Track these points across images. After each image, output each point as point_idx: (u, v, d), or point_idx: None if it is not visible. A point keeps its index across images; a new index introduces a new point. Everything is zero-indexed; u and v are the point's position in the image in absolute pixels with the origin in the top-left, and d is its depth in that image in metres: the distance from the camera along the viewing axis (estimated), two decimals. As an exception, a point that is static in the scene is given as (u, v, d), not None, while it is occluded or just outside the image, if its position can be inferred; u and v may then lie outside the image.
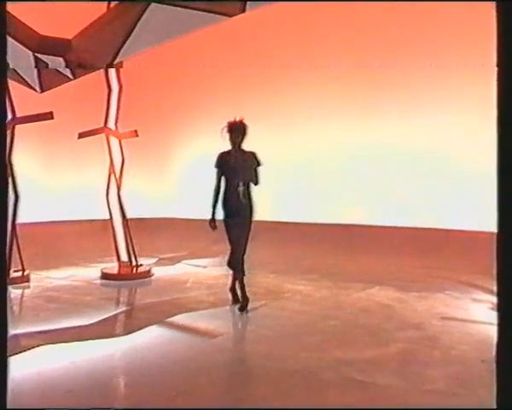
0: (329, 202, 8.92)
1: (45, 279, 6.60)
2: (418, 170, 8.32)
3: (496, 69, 1.45)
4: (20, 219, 6.49)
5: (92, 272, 6.97)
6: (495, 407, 1.44)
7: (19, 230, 6.49)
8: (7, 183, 1.55)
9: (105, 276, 6.69)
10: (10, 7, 4.88)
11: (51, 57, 5.50)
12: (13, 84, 6.31)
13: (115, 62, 5.75)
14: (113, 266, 7.01)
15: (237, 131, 4.95)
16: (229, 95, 9.77)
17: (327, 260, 7.85)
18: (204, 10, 4.23)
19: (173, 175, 10.93)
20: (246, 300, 5.05)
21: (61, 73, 5.72)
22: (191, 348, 3.97)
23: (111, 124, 7.15)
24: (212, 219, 5.06)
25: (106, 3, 6.22)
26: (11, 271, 6.33)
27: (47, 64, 5.58)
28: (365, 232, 8.53)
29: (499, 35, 1.46)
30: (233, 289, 5.33)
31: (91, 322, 4.64)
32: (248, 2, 4.08)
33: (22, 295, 5.93)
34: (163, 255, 8.34)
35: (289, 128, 9.49)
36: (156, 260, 7.96)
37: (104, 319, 4.77)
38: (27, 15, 5.55)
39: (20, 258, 6.49)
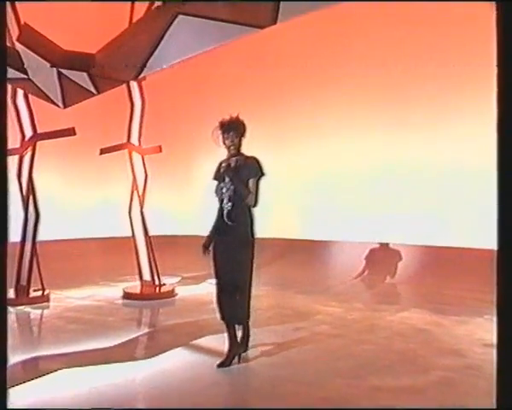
0: (356, 219, 8.80)
1: (66, 299, 6.64)
2: (445, 187, 8.09)
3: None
4: (41, 237, 6.61)
5: (114, 292, 7.00)
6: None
7: (39, 248, 6.59)
8: (7, 188, 1.58)
9: (127, 296, 6.71)
10: (32, 22, 4.98)
11: (75, 72, 5.58)
12: (34, 100, 6.47)
13: (141, 76, 5.84)
14: (135, 286, 7.03)
15: (231, 130, 4.08)
16: (255, 107, 9.76)
17: (356, 279, 7.74)
18: (233, 22, 4.22)
19: (198, 191, 10.89)
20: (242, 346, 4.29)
21: (84, 88, 5.79)
22: (217, 373, 3.92)
23: (134, 139, 7.23)
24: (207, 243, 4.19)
25: (128, 15, 6.34)
26: (31, 290, 6.42)
27: (70, 79, 5.66)
28: (393, 251, 8.38)
29: (499, 35, 1.50)
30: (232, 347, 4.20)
31: (113, 344, 4.63)
32: (280, 13, 4.06)
33: (42, 316, 5.97)
34: (187, 274, 8.34)
35: (318, 139, 9.41)
36: (180, 279, 7.98)
37: (126, 342, 4.76)
38: (50, 30, 5.67)
39: (40, 277, 6.56)
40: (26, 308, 6.13)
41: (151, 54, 4.90)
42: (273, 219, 9.70)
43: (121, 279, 7.69)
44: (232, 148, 4.13)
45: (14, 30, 5.88)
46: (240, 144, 4.18)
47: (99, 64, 5.50)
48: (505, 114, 1.48)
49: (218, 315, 4.20)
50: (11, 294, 6.34)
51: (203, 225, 10.90)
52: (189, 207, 10.78)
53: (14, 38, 5.61)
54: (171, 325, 5.42)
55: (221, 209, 4.11)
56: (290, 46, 9.08)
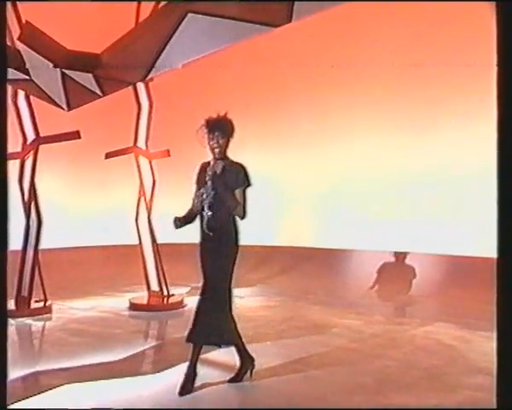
0: (372, 227, 8.71)
1: (69, 310, 6.62)
2: (466, 193, 7.95)
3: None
4: (43, 245, 6.59)
5: (120, 303, 6.96)
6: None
7: (41, 256, 6.57)
8: (7, 193, 1.57)
9: (134, 306, 6.68)
10: (35, 20, 4.97)
11: (79, 73, 5.58)
12: (36, 102, 6.46)
13: (148, 78, 5.82)
14: (142, 296, 7.00)
15: (217, 130, 3.87)
16: (268, 110, 9.73)
17: (379, 291, 7.64)
18: (246, 20, 4.18)
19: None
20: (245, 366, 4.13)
21: (89, 89, 5.79)
22: (229, 388, 3.89)
23: (141, 143, 7.22)
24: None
25: (134, 14, 6.34)
26: (32, 301, 6.41)
27: (75, 80, 5.65)
28: (415, 260, 8.28)
29: (499, 35, 1.55)
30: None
31: (119, 358, 4.60)
32: (295, 11, 4.01)
33: (44, 328, 5.95)
34: (196, 284, 8.13)
35: (333, 144, 9.35)
36: (189, 289, 7.90)
37: (133, 355, 4.73)
38: (52, 29, 5.66)
39: (43, 287, 6.55)
40: (27, 320, 6.11)
41: (159, 54, 4.89)
42: (285, 226, 9.68)
43: (127, 289, 7.66)
44: (217, 150, 3.92)
45: (15, 28, 5.88)
46: (226, 146, 3.97)
47: (105, 65, 5.50)
48: (505, 114, 1.52)
49: (186, 338, 4.00)
50: (11, 305, 6.31)
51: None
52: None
53: (16, 37, 5.61)
54: (179, 337, 5.30)
55: (201, 217, 3.92)
56: (302, 46, 9.05)
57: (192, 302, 6.88)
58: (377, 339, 5.21)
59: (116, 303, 6.97)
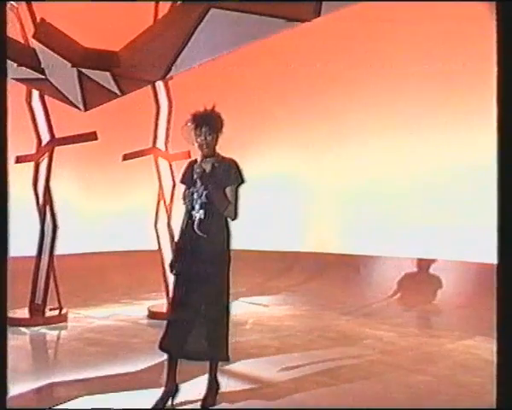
0: (402, 232, 8.57)
1: (85, 319, 6.59)
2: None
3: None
4: (58, 251, 6.58)
5: (138, 311, 6.92)
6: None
7: (56, 262, 6.57)
8: (7, 196, 1.68)
9: (153, 315, 6.63)
10: (48, 17, 4.96)
11: (96, 72, 5.57)
12: (50, 102, 6.47)
13: (168, 76, 5.78)
14: (161, 304, 6.94)
15: (204, 125, 3.71)
16: (292, 109, 9.67)
17: (410, 300, 7.49)
18: (271, 15, 4.12)
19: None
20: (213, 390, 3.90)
21: (107, 88, 5.78)
22: (253, 402, 3.82)
23: (160, 144, 7.18)
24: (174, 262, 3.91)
25: (153, 11, 6.31)
26: (47, 309, 6.39)
27: (92, 79, 5.65)
28: (452, 268, 8.10)
29: (499, 35, 1.61)
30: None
31: (137, 369, 4.56)
32: (324, 4, 3.93)
33: (59, 338, 5.94)
34: None
35: (357, 146, 9.23)
36: (210, 297, 7.86)
37: (152, 366, 4.66)
38: (69, 26, 5.67)
39: (58, 294, 6.53)
40: (42, 329, 6.09)
41: (180, 52, 4.86)
42: (311, 232, 9.59)
43: (146, 297, 7.62)
44: (205, 146, 3.75)
45: (29, 26, 5.90)
46: (215, 143, 3.80)
47: (123, 63, 5.49)
48: (506, 115, 1.58)
49: (158, 345, 3.82)
50: (25, 313, 6.31)
51: (233, 236, 10.79)
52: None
53: (30, 35, 5.62)
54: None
55: (190, 218, 3.75)
56: (323, 44, 9.00)
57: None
58: (412, 352, 5.08)
59: (134, 311, 6.93)
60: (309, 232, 9.55)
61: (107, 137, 7.19)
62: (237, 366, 4.55)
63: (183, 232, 3.83)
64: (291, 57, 9.45)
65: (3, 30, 1.70)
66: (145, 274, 8.20)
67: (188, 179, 3.87)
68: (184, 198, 3.83)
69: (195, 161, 3.88)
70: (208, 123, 3.73)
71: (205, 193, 3.71)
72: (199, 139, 3.75)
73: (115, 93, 5.91)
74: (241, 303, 7.56)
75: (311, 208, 9.46)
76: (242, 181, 3.79)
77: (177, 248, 3.91)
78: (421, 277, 8.12)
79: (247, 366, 4.61)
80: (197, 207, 3.71)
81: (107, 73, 5.56)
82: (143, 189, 8.32)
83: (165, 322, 3.87)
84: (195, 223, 3.70)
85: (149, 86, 6.91)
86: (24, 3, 6.08)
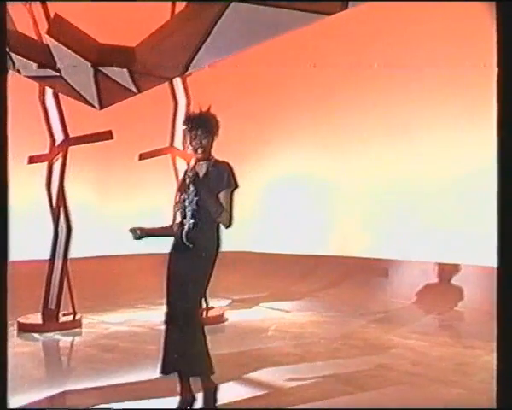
0: (430, 235, 8.46)
1: (100, 324, 6.61)
2: None
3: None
4: (72, 254, 6.59)
5: (155, 316, 6.82)
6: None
7: (70, 266, 6.58)
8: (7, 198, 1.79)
9: (169, 321, 6.60)
10: (62, 12, 4.97)
11: (113, 69, 5.59)
12: (65, 100, 6.48)
13: (187, 73, 5.77)
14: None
15: (199, 128, 3.65)
16: (314, 102, 9.60)
17: (443, 307, 7.36)
18: (296, 8, 4.08)
19: (248, 201, 10.84)
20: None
21: (123, 86, 5.79)
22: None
23: (178, 143, 7.17)
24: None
25: (170, 6, 6.30)
26: (60, 314, 6.40)
27: (108, 77, 5.67)
28: (481, 274, 7.97)
29: (499, 35, 1.67)
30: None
31: (155, 377, 4.42)
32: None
33: (73, 344, 5.95)
34: (237, 296, 8.25)
35: (378, 147, 9.14)
36: (229, 301, 7.90)
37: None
38: (83, 22, 5.68)
39: (71, 299, 6.55)
40: (56, 335, 6.11)
41: (199, 47, 4.84)
42: (334, 235, 9.51)
43: (163, 302, 7.52)
44: (199, 150, 3.67)
45: (42, 23, 5.92)
46: (210, 146, 3.72)
47: (140, 59, 5.49)
48: (505, 116, 1.64)
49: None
50: (38, 319, 6.33)
51: (253, 239, 10.87)
52: (239, 218, 10.71)
53: (44, 32, 5.63)
54: (220, 354, 5.19)
55: (181, 226, 3.69)
56: (350, 43, 8.97)
57: (234, 316, 6.86)
58: (445, 364, 4.95)
59: (150, 317, 6.89)
60: (332, 235, 9.47)
61: (122, 136, 7.20)
62: (258, 375, 4.54)
63: (174, 241, 3.77)
64: (310, 55, 9.41)
65: (3, 29, 1.77)
66: (162, 278, 8.15)
67: (180, 184, 3.84)
68: (176, 206, 3.80)
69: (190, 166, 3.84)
70: (203, 125, 3.66)
71: (195, 200, 3.64)
72: (193, 142, 3.69)
73: (132, 91, 5.92)
74: (262, 309, 7.56)
75: (335, 210, 9.38)
76: (236, 186, 3.68)
77: (170, 258, 3.84)
78: (449, 282, 8.01)
79: (269, 374, 4.57)
80: (188, 215, 3.66)
81: (124, 70, 5.58)
82: (160, 190, 8.32)
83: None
84: (184, 232, 3.65)
85: (167, 83, 6.91)
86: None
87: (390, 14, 8.00)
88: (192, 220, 3.63)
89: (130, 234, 3.78)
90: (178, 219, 3.80)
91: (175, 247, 3.77)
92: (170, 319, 3.78)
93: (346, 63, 8.95)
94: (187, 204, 3.68)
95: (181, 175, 4.01)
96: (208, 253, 3.68)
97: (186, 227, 3.65)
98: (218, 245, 3.72)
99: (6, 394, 1.58)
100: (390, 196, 8.75)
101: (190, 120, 3.75)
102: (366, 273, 8.54)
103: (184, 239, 3.65)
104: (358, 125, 9.10)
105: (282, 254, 9.54)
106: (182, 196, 3.74)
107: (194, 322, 3.71)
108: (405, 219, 8.63)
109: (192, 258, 3.65)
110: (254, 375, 4.52)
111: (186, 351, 3.66)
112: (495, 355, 1.80)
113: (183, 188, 3.78)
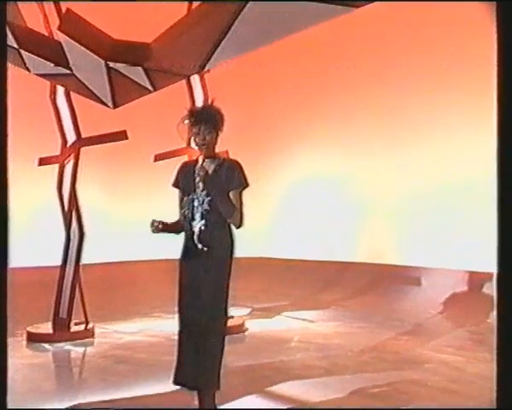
0: (465, 242, 8.35)
1: (113, 334, 6.61)
2: None
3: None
4: (85, 260, 6.60)
5: (171, 325, 6.79)
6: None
7: (82, 273, 6.58)
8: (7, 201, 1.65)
9: (186, 330, 6.59)
10: (74, 7, 4.99)
11: (127, 66, 5.58)
12: (77, 99, 6.50)
13: (205, 70, 5.76)
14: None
15: (203, 123, 3.63)
16: (339, 100, 9.56)
17: (481, 318, 7.23)
18: (322, 1, 4.04)
19: (270, 204, 10.83)
20: None
21: (138, 84, 5.79)
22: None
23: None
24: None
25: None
26: (72, 323, 6.41)
27: (122, 74, 5.66)
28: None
29: (499, 35, 1.71)
30: None
31: (171, 390, 4.39)
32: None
33: (85, 355, 5.96)
34: (258, 305, 8.24)
35: (413, 148, 9.05)
36: (250, 310, 7.88)
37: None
38: (96, 17, 5.69)
39: (84, 307, 6.54)
40: (67, 346, 6.11)
41: (219, 42, 4.80)
42: (363, 241, 9.44)
43: (179, 310, 7.59)
44: (204, 147, 3.68)
45: (53, 18, 5.94)
46: (215, 142, 3.72)
47: (156, 56, 5.48)
48: (505, 116, 1.68)
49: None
50: (49, 328, 6.33)
51: (275, 244, 10.84)
52: (257, 223, 10.66)
53: (55, 27, 5.65)
54: (240, 366, 5.24)
55: (190, 229, 3.66)
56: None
57: (254, 326, 6.82)
58: (482, 381, 4.83)
59: (166, 326, 6.83)
60: (359, 241, 9.40)
61: (137, 136, 7.23)
62: (281, 388, 4.51)
63: (184, 246, 3.75)
64: (338, 55, 9.42)
65: (3, 30, 1.80)
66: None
67: (185, 183, 3.77)
68: (183, 206, 3.74)
69: (193, 162, 3.82)
70: (207, 120, 3.65)
71: (207, 200, 3.63)
72: (197, 138, 3.68)
73: (147, 89, 5.91)
74: (284, 318, 7.53)
75: (362, 214, 9.32)
76: (247, 185, 3.69)
77: (181, 263, 3.82)
78: (484, 291, 7.89)
79: (292, 387, 4.54)
80: (198, 216, 3.63)
81: (139, 68, 5.56)
82: (176, 192, 8.31)
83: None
84: (195, 235, 3.63)
85: (184, 81, 6.91)
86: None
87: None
88: (203, 222, 3.62)
89: (151, 228, 3.72)
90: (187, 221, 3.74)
91: (186, 252, 3.75)
92: (182, 329, 3.77)
93: (366, 61, 9.00)
94: (196, 204, 3.66)
95: (174, 175, 3.93)
96: (223, 256, 3.67)
97: (197, 230, 3.62)
98: (233, 248, 3.72)
99: (6, 394, 1.60)
100: (421, 200, 8.67)
101: (194, 114, 3.72)
102: (396, 281, 8.50)
103: (197, 242, 3.62)
104: (388, 125, 9.05)
105: (306, 260, 9.50)
106: (190, 197, 3.70)
107: (208, 332, 3.67)
108: (437, 224, 8.54)
109: (206, 263, 3.64)
110: (276, 389, 4.50)
111: (196, 362, 3.66)
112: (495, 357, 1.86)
113: (190, 187, 3.73)
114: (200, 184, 3.66)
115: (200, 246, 3.63)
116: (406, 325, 6.88)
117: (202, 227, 3.62)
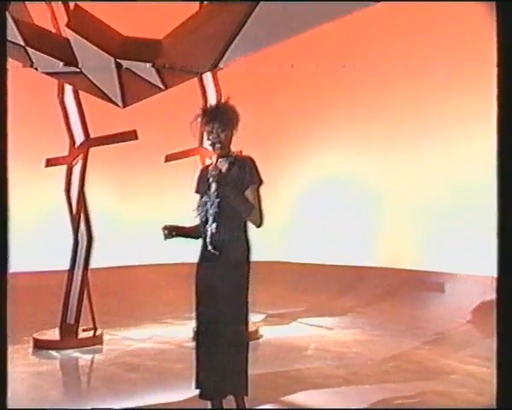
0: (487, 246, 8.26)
1: (122, 341, 6.62)
2: None
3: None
4: (93, 264, 6.62)
5: (182, 332, 6.88)
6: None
7: (90, 277, 6.60)
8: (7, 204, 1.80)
9: (199, 337, 6.58)
10: (83, 3, 5.02)
11: (137, 63, 5.60)
12: (85, 98, 6.52)
13: (218, 67, 5.76)
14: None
15: (216, 121, 3.66)
16: (359, 98, 9.54)
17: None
18: None
19: (285, 206, 10.80)
20: None
21: (149, 82, 5.81)
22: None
23: (207, 143, 7.15)
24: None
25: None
26: (80, 329, 6.42)
27: (132, 72, 5.69)
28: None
29: (499, 35, 1.78)
30: None
31: (183, 398, 4.49)
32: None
33: (93, 362, 5.96)
34: (273, 311, 8.20)
35: (435, 146, 9.00)
36: (264, 316, 7.85)
37: (198, 395, 4.57)
38: (105, 12, 5.72)
39: (92, 313, 6.55)
40: (75, 353, 6.12)
41: (233, 38, 4.82)
42: (382, 244, 9.39)
43: (191, 316, 7.46)
44: (217, 146, 3.70)
45: (61, 15, 5.97)
46: (229, 141, 3.75)
47: (167, 53, 5.49)
48: (506, 116, 1.76)
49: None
50: (56, 335, 6.35)
51: (291, 248, 10.82)
52: (276, 225, 10.64)
53: (63, 24, 5.68)
54: (255, 375, 5.11)
55: (203, 231, 3.70)
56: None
57: (269, 333, 6.81)
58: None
59: (178, 333, 6.92)
60: (379, 245, 9.36)
61: (147, 136, 7.23)
62: (297, 398, 4.50)
63: (200, 249, 3.79)
64: (356, 52, 9.41)
65: (3, 30, 1.90)
66: (189, 290, 8.13)
67: (201, 187, 3.82)
68: (198, 209, 3.78)
69: (208, 166, 3.84)
70: (221, 118, 3.67)
71: (217, 202, 3.65)
72: (210, 137, 3.70)
73: (158, 87, 5.92)
74: (301, 325, 7.50)
75: (382, 217, 9.27)
76: (261, 181, 3.71)
77: (197, 267, 3.86)
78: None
79: (309, 397, 4.53)
80: (210, 219, 3.66)
81: (150, 65, 5.58)
82: (188, 194, 8.31)
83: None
84: (208, 238, 3.66)
85: (196, 79, 6.92)
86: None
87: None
88: (214, 225, 3.64)
89: (162, 233, 3.79)
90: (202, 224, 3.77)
91: (202, 256, 3.78)
92: (200, 335, 3.80)
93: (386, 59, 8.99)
94: (208, 206, 3.68)
95: (195, 181, 3.99)
96: (238, 260, 3.68)
97: (209, 233, 3.64)
98: (249, 250, 3.72)
99: (6, 394, 1.67)
100: (445, 202, 8.61)
101: (207, 112, 3.75)
102: (418, 288, 8.44)
103: (209, 246, 3.64)
104: (410, 124, 8.99)
105: (323, 264, 9.45)
106: (202, 200, 3.74)
107: (228, 338, 3.69)
108: (462, 227, 8.48)
109: (221, 267, 3.66)
110: (292, 398, 4.49)
111: (221, 369, 3.69)
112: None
113: (203, 189, 3.77)
114: (213, 185, 3.68)
115: (211, 250, 3.64)
116: (429, 334, 6.82)
117: (213, 230, 3.64)
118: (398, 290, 8.60)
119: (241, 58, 5.49)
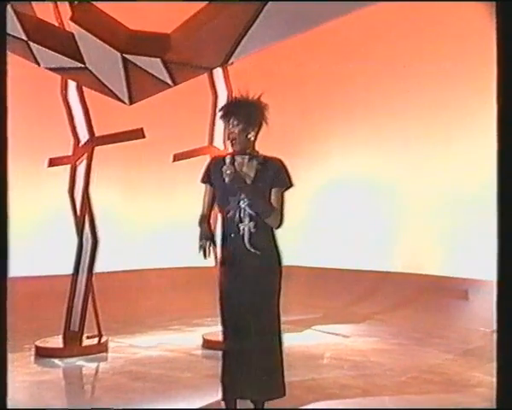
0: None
1: (128, 348, 6.65)
2: None
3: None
4: (98, 268, 6.65)
5: (190, 339, 6.95)
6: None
7: (95, 282, 6.62)
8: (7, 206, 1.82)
9: (208, 344, 6.59)
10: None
11: (145, 58, 5.64)
12: (90, 95, 6.57)
13: (229, 62, 5.79)
14: (218, 331, 6.89)
15: (236, 116, 3.72)
16: (379, 97, 9.53)
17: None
18: None
19: (301, 208, 10.76)
20: None
21: (157, 78, 5.83)
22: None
23: (217, 142, 7.19)
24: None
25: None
26: (84, 337, 6.45)
27: (139, 67, 5.72)
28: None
29: (499, 35, 1.83)
30: None
31: (191, 408, 4.53)
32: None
33: (98, 371, 5.99)
34: (286, 317, 8.00)
35: (460, 143, 8.98)
36: (277, 323, 7.81)
37: (207, 405, 4.65)
38: (111, 5, 5.76)
39: (97, 319, 6.59)
40: (79, 361, 6.14)
41: (245, 32, 4.85)
42: (404, 247, 9.36)
43: (200, 323, 7.64)
44: (236, 143, 3.78)
45: (66, 9, 6.01)
46: (247, 138, 3.79)
47: (176, 48, 5.51)
48: (505, 116, 1.85)
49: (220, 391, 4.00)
50: (59, 342, 6.39)
51: (305, 251, 10.81)
52: (288, 227, 10.66)
53: (67, 18, 5.73)
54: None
55: (235, 230, 3.77)
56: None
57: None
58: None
59: (186, 340, 6.96)
60: (399, 248, 9.32)
61: (155, 134, 7.25)
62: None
63: (228, 249, 3.85)
64: (369, 51, 9.41)
65: (3, 30, 1.93)
66: (198, 295, 8.20)
67: (212, 179, 3.94)
68: (226, 205, 3.83)
69: (223, 159, 3.85)
70: (237, 112, 3.73)
71: (248, 200, 3.76)
72: (228, 131, 3.81)
73: (166, 83, 5.94)
74: (316, 332, 7.51)
75: (403, 219, 9.24)
76: (291, 184, 3.86)
77: (224, 268, 3.93)
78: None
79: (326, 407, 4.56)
80: (246, 218, 3.73)
81: (158, 60, 5.60)
82: (197, 195, 8.33)
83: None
84: (245, 237, 3.73)
85: (206, 74, 6.94)
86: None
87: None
88: (252, 223, 3.73)
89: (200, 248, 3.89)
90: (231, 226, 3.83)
91: (232, 257, 3.84)
92: (231, 340, 3.98)
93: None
94: (242, 205, 3.74)
95: (206, 171, 4.11)
96: (274, 259, 3.87)
97: (247, 232, 3.72)
98: (279, 250, 3.90)
99: (6, 394, 1.69)
100: (470, 204, 8.56)
101: (223, 106, 3.89)
102: (440, 294, 8.41)
103: (248, 246, 3.72)
104: (431, 125, 8.96)
105: (339, 269, 9.43)
106: (233, 197, 3.78)
107: (261, 341, 3.96)
108: (487, 230, 8.41)
109: (257, 267, 3.79)
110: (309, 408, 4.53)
111: (256, 372, 3.89)
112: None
113: (232, 187, 3.79)
114: (235, 184, 3.75)
115: (251, 250, 3.75)
116: (452, 343, 6.82)
117: (252, 230, 3.75)
118: (419, 297, 8.56)
119: (253, 54, 5.51)
